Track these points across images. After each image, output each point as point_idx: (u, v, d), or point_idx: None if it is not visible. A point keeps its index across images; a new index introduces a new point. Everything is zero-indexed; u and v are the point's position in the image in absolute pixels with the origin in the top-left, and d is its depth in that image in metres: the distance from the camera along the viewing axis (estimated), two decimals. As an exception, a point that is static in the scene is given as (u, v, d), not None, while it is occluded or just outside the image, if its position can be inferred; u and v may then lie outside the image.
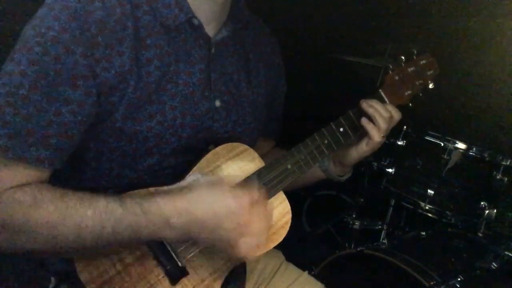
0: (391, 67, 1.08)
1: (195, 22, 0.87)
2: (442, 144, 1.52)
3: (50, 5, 0.75)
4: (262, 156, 0.98)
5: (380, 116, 1.01)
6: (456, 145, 1.50)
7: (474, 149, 1.50)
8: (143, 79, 0.82)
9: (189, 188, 0.79)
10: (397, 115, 1.04)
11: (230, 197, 0.78)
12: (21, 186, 0.74)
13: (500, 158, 1.46)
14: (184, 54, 0.88)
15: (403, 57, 1.08)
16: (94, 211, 0.74)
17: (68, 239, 0.74)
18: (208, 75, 0.92)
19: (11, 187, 0.73)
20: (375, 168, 1.73)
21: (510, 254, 1.44)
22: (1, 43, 1.39)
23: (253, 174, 0.94)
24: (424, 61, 1.10)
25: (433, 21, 1.96)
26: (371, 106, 1.02)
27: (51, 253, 0.83)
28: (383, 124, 1.02)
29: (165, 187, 0.85)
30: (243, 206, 0.78)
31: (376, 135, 1.02)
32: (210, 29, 0.91)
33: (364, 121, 1.02)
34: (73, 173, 0.88)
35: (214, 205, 0.77)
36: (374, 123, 1.02)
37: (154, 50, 0.83)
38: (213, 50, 0.92)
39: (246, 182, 0.89)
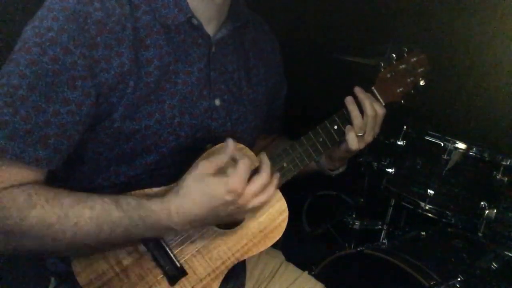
0: (382, 65, 1.09)
1: (195, 22, 0.87)
2: (442, 144, 1.52)
3: (50, 6, 0.75)
4: (263, 151, 0.98)
5: (368, 102, 1.02)
6: (456, 145, 1.50)
7: (474, 149, 1.50)
8: (142, 79, 0.82)
9: (178, 190, 0.80)
10: (381, 111, 1.05)
11: (217, 185, 0.78)
12: (17, 185, 0.74)
13: (500, 158, 1.46)
14: (183, 53, 0.88)
15: (394, 55, 1.09)
16: (91, 213, 0.75)
17: (64, 239, 0.74)
18: (207, 74, 0.92)
19: (8, 187, 0.74)
20: (375, 168, 1.73)
21: (510, 254, 1.43)
22: (1, 43, 1.39)
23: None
24: (414, 59, 1.11)
25: (433, 21, 1.96)
26: (351, 111, 1.02)
27: (48, 253, 0.84)
28: (370, 112, 1.02)
29: (158, 189, 0.86)
30: (232, 189, 0.78)
31: (360, 128, 1.02)
32: (210, 28, 0.91)
33: (348, 103, 1.03)
34: (70, 171, 0.88)
35: (205, 200, 0.78)
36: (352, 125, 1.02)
37: (154, 50, 0.84)
38: (213, 49, 0.92)
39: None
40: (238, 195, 0.79)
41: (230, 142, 0.81)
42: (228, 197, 0.78)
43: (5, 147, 0.73)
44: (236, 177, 0.78)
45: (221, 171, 0.80)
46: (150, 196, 0.81)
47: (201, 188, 0.79)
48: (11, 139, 0.73)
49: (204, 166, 0.80)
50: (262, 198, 0.84)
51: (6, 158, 0.73)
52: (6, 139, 0.73)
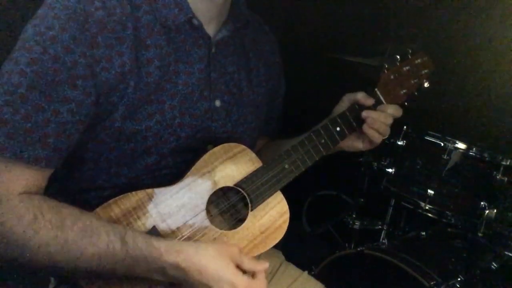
0: (386, 66, 1.08)
1: (195, 22, 0.87)
2: (442, 144, 1.52)
3: (51, 5, 0.75)
4: (261, 150, 0.99)
5: (384, 125, 1.03)
6: (456, 145, 1.50)
7: (474, 149, 1.50)
8: (143, 79, 0.82)
9: (198, 245, 0.80)
10: (399, 113, 1.05)
11: (231, 273, 0.79)
12: (23, 197, 0.74)
13: (500, 158, 1.45)
14: (184, 54, 0.88)
15: (398, 57, 1.09)
16: (94, 250, 0.74)
17: (64, 267, 0.75)
18: (208, 75, 0.92)
19: (16, 194, 0.73)
20: (375, 168, 1.73)
21: (510, 254, 1.43)
22: (1, 43, 1.39)
23: (251, 174, 0.94)
24: (419, 60, 1.10)
25: (433, 21, 1.96)
26: (376, 121, 1.02)
27: (49, 272, 0.84)
28: (385, 132, 1.03)
29: (159, 189, 0.85)
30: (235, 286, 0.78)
31: (379, 140, 1.04)
32: (210, 29, 0.91)
33: (365, 127, 1.03)
34: (71, 172, 0.88)
35: (212, 272, 0.78)
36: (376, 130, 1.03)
37: (154, 50, 0.84)
38: (213, 50, 0.92)
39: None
40: None
41: (267, 266, 0.85)
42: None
43: (5, 146, 0.72)
44: (248, 283, 0.79)
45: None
46: (159, 238, 0.81)
47: (220, 262, 0.79)
48: (11, 138, 0.73)
49: (235, 254, 0.81)
50: None
51: (5, 157, 0.73)
52: (5, 137, 0.72)
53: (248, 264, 0.83)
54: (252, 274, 0.83)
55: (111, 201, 0.83)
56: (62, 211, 0.76)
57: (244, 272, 0.82)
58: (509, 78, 1.86)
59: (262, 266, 0.84)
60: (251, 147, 0.99)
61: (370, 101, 1.04)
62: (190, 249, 0.79)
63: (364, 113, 1.02)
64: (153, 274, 0.79)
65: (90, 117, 0.79)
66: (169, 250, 0.77)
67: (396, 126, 1.07)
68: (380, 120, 1.02)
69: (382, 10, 2.07)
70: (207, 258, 0.78)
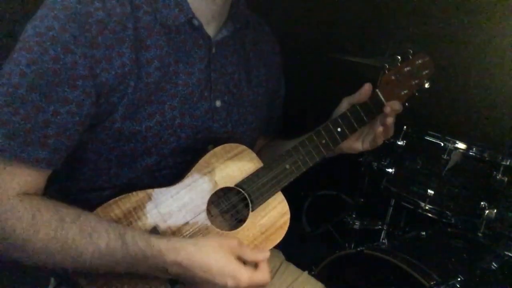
0: (387, 67, 1.08)
1: (195, 22, 0.87)
2: (442, 144, 1.52)
3: (50, 5, 0.75)
4: (261, 151, 0.98)
5: (391, 126, 1.02)
6: (456, 145, 1.50)
7: (474, 149, 1.50)
8: (143, 80, 0.82)
9: (196, 241, 0.80)
10: (400, 109, 1.05)
11: (232, 267, 0.79)
12: (22, 197, 0.74)
13: (500, 158, 1.45)
14: (184, 54, 0.88)
15: (399, 57, 1.09)
16: (94, 249, 0.74)
17: (65, 265, 0.75)
18: (208, 75, 0.92)
19: (15, 195, 0.73)
20: (375, 168, 1.73)
21: (510, 254, 1.43)
22: (1, 43, 1.39)
23: (252, 174, 0.94)
24: (419, 61, 1.10)
25: (433, 21, 1.96)
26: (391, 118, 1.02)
27: (48, 269, 0.84)
28: (392, 132, 1.03)
29: (159, 189, 0.85)
30: (237, 281, 0.78)
31: (381, 141, 1.04)
32: (210, 29, 0.91)
33: (379, 131, 1.02)
34: (71, 173, 0.88)
35: (214, 268, 0.78)
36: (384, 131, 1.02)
37: (154, 50, 0.83)
38: (213, 50, 0.92)
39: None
40: (237, 287, 0.79)
41: (267, 254, 0.84)
42: (231, 282, 0.78)
43: (5, 147, 0.72)
44: (250, 276, 0.79)
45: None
46: (158, 236, 0.81)
47: (220, 256, 0.79)
48: (11, 138, 0.73)
49: (235, 246, 0.81)
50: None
51: (5, 157, 0.73)
52: (5, 138, 0.72)
53: (249, 255, 0.82)
54: (255, 265, 0.83)
55: (111, 201, 0.83)
56: (61, 211, 0.76)
57: (246, 263, 0.82)
58: (509, 78, 1.87)
59: (263, 255, 0.84)
60: (252, 147, 0.99)
61: (365, 95, 1.04)
62: (190, 246, 0.78)
63: (386, 110, 1.01)
64: (155, 272, 0.79)
65: (90, 117, 0.79)
66: (169, 248, 0.77)
67: (396, 126, 1.07)
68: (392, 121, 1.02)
69: (382, 10, 2.07)
70: (208, 254, 0.78)
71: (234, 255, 0.81)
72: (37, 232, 0.72)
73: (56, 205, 0.76)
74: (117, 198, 0.83)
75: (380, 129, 1.01)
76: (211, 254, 0.78)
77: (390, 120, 1.00)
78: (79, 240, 0.74)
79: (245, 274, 0.79)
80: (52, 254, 0.73)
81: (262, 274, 0.82)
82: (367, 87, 1.03)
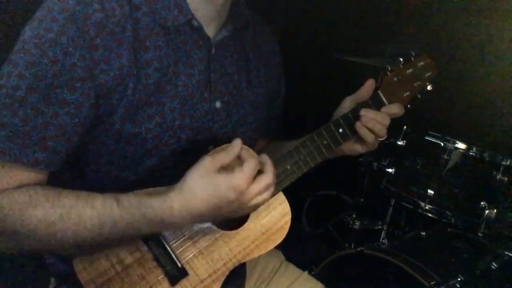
0: (389, 68, 1.08)
1: (195, 23, 0.87)
2: (442, 144, 1.52)
3: (49, 7, 0.75)
4: (261, 151, 0.98)
5: (380, 125, 1.00)
6: (456, 145, 1.50)
7: (474, 149, 1.50)
8: (142, 81, 0.82)
9: (181, 186, 0.79)
10: (400, 111, 1.03)
11: (222, 182, 0.77)
12: (17, 187, 0.74)
13: (500, 158, 1.46)
14: (183, 55, 0.88)
15: (401, 59, 1.09)
16: (92, 211, 0.75)
17: (66, 237, 0.75)
18: (208, 76, 0.92)
19: (8, 189, 0.74)
20: (375, 168, 1.73)
21: (510, 254, 1.44)
22: (1, 43, 1.39)
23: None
24: (422, 63, 1.10)
25: (433, 21, 1.96)
26: (371, 120, 0.99)
27: (49, 251, 0.83)
28: (382, 133, 1.00)
29: (160, 188, 0.85)
30: (237, 187, 0.77)
31: (370, 139, 1.01)
32: (210, 30, 0.91)
33: (358, 125, 1.00)
34: (72, 176, 0.88)
35: (209, 195, 0.77)
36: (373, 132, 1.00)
37: (154, 51, 0.83)
38: (213, 51, 0.92)
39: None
40: (242, 193, 0.78)
41: (238, 142, 0.81)
42: (232, 194, 0.77)
43: (4, 149, 0.72)
44: (243, 175, 0.78)
45: (226, 169, 0.79)
46: (150, 194, 0.80)
47: (205, 184, 0.77)
48: (10, 140, 0.73)
49: (209, 163, 0.79)
50: (264, 196, 0.83)
51: (4, 159, 0.73)
52: (4, 140, 0.72)
53: (225, 158, 0.80)
54: (241, 160, 0.81)
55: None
56: (55, 188, 0.77)
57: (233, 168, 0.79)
58: (509, 78, 1.87)
59: (235, 145, 0.81)
60: (251, 147, 0.98)
61: (366, 95, 1.03)
62: (177, 197, 0.77)
63: (362, 111, 1.00)
64: (158, 228, 0.79)
65: (89, 119, 0.79)
66: (161, 205, 0.77)
67: (396, 126, 1.07)
68: (376, 119, 0.99)
69: (382, 10, 2.07)
70: (197, 193, 0.77)
71: (214, 171, 0.78)
72: (35, 207, 0.73)
73: (50, 187, 0.78)
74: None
75: (359, 127, 0.99)
76: (199, 191, 0.77)
77: (362, 131, 0.99)
78: (75, 206, 0.75)
79: (237, 179, 0.77)
80: (50, 227, 0.73)
81: (251, 164, 0.79)
82: (370, 82, 1.02)
